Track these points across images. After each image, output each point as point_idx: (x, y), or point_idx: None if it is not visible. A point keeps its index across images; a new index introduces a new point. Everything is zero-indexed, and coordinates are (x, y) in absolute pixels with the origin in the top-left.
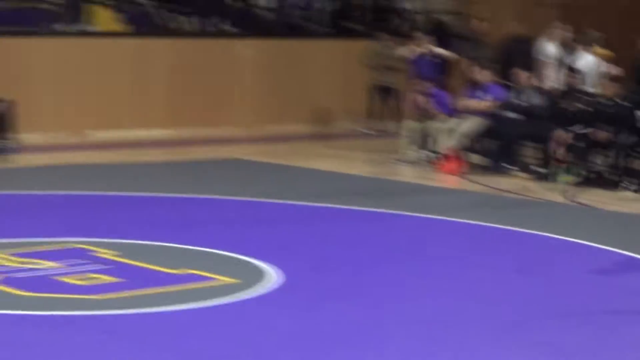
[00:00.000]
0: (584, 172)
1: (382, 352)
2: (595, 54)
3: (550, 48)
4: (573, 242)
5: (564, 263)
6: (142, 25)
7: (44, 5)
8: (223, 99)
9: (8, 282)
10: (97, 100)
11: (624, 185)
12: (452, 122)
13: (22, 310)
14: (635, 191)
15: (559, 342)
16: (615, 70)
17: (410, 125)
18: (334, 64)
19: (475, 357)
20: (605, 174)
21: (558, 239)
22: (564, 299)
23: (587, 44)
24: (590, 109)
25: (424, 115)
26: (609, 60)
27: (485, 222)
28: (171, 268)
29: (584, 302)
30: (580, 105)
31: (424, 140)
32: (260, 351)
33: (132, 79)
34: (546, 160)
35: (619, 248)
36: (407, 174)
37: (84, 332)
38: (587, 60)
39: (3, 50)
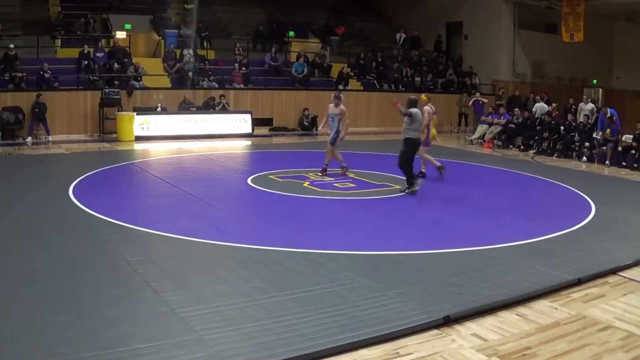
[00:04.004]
0: (537, 149)
1: (453, 212)
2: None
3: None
4: (529, 175)
5: (525, 184)
6: (368, 87)
7: (331, 79)
8: (400, 116)
9: (312, 185)
10: (352, 115)
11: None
12: (490, 127)
13: (317, 195)
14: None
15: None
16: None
17: (476, 128)
18: (445, 103)
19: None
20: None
21: (524, 174)
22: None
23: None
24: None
25: (479, 124)
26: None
27: (498, 167)
28: (377, 181)
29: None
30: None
31: (479, 134)
32: (406, 208)
33: (365, 107)
34: (526, 144)
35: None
36: (472, 148)
37: (339, 204)
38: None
39: (318, 96)
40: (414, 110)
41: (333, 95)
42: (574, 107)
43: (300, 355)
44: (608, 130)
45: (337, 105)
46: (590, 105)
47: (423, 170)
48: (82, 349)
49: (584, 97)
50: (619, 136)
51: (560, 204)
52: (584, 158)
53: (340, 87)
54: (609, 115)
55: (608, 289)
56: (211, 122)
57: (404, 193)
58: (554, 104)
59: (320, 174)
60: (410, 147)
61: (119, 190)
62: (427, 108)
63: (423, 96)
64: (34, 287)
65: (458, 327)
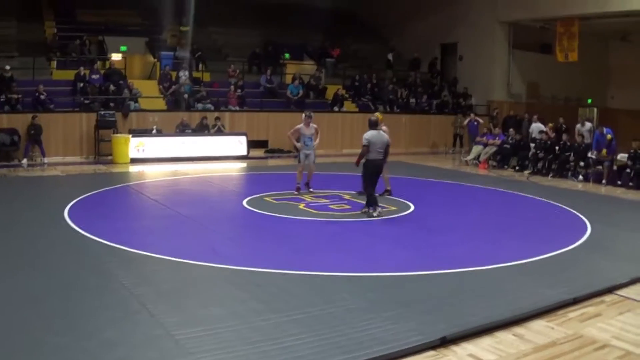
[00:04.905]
0: (532, 169)
1: (450, 233)
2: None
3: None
4: (525, 195)
5: (521, 204)
6: (363, 108)
7: (326, 101)
8: (395, 137)
9: (307, 206)
10: (348, 137)
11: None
12: (485, 148)
13: (313, 217)
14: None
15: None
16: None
17: (471, 149)
18: (440, 124)
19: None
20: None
21: (520, 194)
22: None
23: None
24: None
25: (474, 144)
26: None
27: (494, 187)
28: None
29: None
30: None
31: (474, 155)
32: (402, 229)
33: (360, 129)
34: (521, 164)
35: (549, 199)
36: (467, 168)
37: (334, 226)
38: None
39: (314, 117)
40: (368, 134)
41: (304, 115)
42: (564, 126)
43: None
44: (604, 151)
45: (308, 124)
46: (588, 125)
47: (388, 188)
48: None
49: (580, 119)
50: (614, 155)
51: (555, 224)
52: (580, 177)
53: (336, 108)
54: (609, 137)
55: (604, 307)
56: (206, 144)
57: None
58: (550, 124)
59: (296, 193)
60: (366, 168)
61: (115, 213)
62: (383, 127)
63: (379, 115)
64: (30, 309)
65: (454, 347)
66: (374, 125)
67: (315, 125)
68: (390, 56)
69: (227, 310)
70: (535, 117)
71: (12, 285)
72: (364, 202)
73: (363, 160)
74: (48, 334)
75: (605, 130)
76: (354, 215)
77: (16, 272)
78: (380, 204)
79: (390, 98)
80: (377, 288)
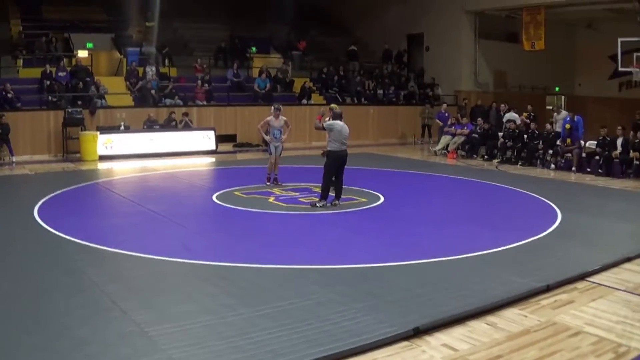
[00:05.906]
0: (501, 158)
1: (419, 225)
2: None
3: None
4: (494, 184)
5: (490, 193)
6: (331, 101)
7: (294, 94)
8: (363, 129)
9: (277, 200)
10: (312, 130)
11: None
12: (453, 138)
13: (282, 210)
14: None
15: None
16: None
17: (440, 139)
18: (409, 114)
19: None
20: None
21: (489, 183)
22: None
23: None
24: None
25: (443, 134)
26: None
27: (463, 177)
28: (342, 195)
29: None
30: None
31: (443, 145)
32: (372, 220)
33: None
34: (490, 153)
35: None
36: (435, 159)
37: (304, 219)
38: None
39: (282, 111)
40: (335, 122)
41: (273, 107)
42: (531, 114)
43: None
44: (569, 140)
45: (277, 117)
46: (564, 113)
47: None
48: None
49: (555, 107)
50: (581, 142)
51: (526, 212)
52: (552, 166)
53: (304, 101)
54: (567, 126)
55: (577, 294)
56: (175, 139)
57: (316, 206)
58: (525, 113)
59: (268, 183)
60: (330, 159)
61: (84, 210)
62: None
63: (334, 106)
64: (0, 308)
65: (428, 338)
66: (339, 117)
67: (284, 118)
68: (354, 47)
69: (198, 305)
70: (502, 106)
71: None
72: (333, 195)
73: (327, 150)
74: (19, 333)
75: (576, 118)
76: (323, 208)
77: None
78: (351, 196)
79: (357, 90)
80: (348, 280)
